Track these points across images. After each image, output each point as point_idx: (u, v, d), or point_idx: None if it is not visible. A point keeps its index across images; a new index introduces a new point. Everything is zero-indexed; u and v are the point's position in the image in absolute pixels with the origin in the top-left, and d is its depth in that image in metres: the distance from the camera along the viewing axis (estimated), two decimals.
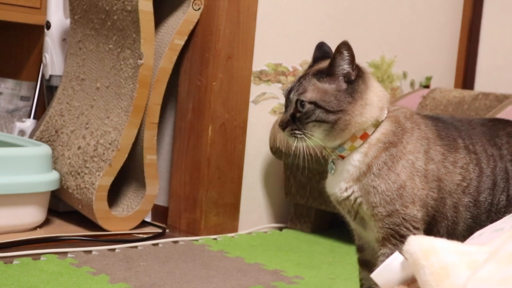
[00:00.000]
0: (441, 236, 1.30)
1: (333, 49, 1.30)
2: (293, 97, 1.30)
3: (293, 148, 1.32)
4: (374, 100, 1.30)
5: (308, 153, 1.32)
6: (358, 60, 1.33)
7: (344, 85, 1.29)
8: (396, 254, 0.92)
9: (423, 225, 1.29)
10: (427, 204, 1.29)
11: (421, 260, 0.84)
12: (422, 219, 1.28)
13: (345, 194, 1.31)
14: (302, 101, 1.29)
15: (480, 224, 1.29)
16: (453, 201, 1.30)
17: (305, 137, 1.28)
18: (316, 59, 1.39)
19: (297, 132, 1.29)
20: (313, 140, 1.29)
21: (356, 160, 1.30)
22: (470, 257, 0.84)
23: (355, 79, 1.29)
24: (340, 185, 1.31)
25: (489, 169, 1.32)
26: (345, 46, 1.28)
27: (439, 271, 0.82)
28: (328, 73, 1.29)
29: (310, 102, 1.28)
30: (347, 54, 1.28)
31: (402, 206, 1.27)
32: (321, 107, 1.27)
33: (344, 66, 1.29)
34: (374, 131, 1.30)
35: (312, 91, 1.29)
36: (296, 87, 1.31)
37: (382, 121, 1.31)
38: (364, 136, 1.30)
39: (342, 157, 1.32)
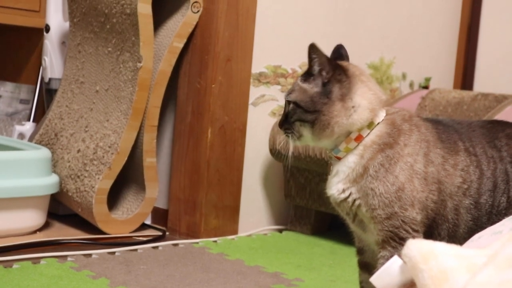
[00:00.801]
0: (442, 238, 1.30)
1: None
2: (285, 97, 1.36)
3: (284, 146, 1.35)
4: (362, 103, 1.30)
5: (293, 152, 1.36)
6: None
7: (319, 86, 1.30)
8: (395, 257, 0.92)
9: (422, 228, 1.29)
10: (427, 207, 1.28)
11: (420, 264, 0.84)
12: (421, 222, 1.28)
13: (343, 196, 1.31)
14: (288, 101, 1.34)
15: (481, 226, 1.29)
16: (454, 204, 1.30)
17: (294, 136, 1.33)
18: None
19: (287, 131, 1.34)
20: (302, 139, 1.33)
21: (351, 161, 1.31)
22: (469, 261, 0.84)
23: (329, 81, 1.30)
24: (338, 186, 1.32)
25: (490, 171, 1.32)
26: (311, 48, 1.31)
27: (438, 275, 0.82)
28: (309, 74, 1.33)
29: (293, 102, 1.33)
30: (314, 56, 1.31)
31: (401, 208, 1.27)
32: (300, 107, 1.31)
33: (314, 67, 1.32)
34: (368, 133, 1.31)
35: (296, 92, 1.33)
36: (290, 88, 1.36)
37: (378, 123, 1.31)
38: (359, 138, 1.31)
39: (339, 159, 1.32)
